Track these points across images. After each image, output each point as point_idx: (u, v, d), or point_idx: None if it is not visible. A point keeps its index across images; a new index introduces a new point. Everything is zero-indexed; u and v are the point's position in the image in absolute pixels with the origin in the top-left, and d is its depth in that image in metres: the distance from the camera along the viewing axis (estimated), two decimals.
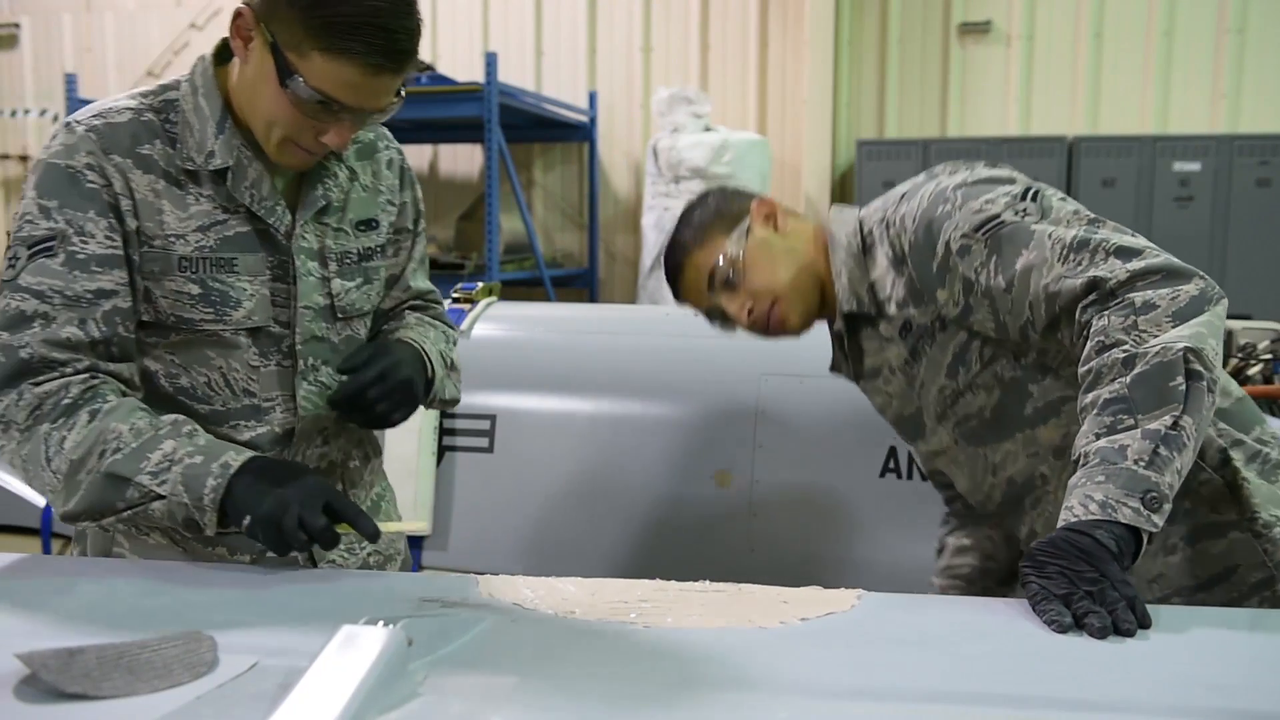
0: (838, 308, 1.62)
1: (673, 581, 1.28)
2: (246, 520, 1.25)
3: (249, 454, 1.30)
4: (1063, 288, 1.35)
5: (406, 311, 1.64)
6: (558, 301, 6.66)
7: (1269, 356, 2.69)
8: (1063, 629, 1.11)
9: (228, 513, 1.27)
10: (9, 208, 8.42)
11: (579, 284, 7.36)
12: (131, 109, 1.38)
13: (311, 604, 1.20)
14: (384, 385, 1.42)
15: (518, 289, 6.57)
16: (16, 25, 8.21)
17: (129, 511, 1.29)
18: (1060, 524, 1.21)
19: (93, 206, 1.33)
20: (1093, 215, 1.42)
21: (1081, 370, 1.32)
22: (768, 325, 1.62)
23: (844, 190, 6.71)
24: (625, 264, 7.33)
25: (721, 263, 1.62)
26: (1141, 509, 1.18)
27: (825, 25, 6.48)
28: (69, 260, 1.32)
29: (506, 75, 6.64)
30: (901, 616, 1.18)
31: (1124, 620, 1.10)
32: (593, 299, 7.24)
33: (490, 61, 5.99)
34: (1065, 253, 1.36)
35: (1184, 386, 1.23)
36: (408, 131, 7.22)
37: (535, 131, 7.18)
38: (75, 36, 8.12)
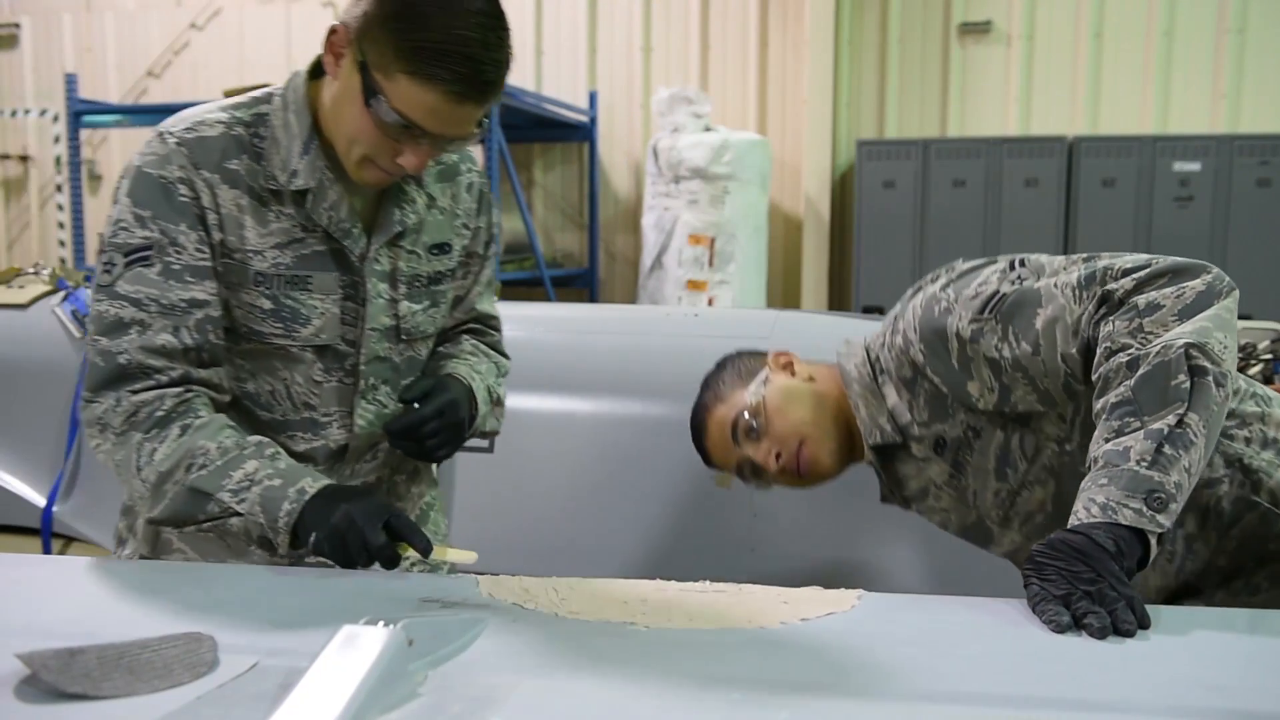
0: (863, 442, 1.58)
1: (673, 582, 1.28)
2: (314, 537, 1.30)
3: (324, 481, 1.35)
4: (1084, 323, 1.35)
5: (464, 336, 1.66)
6: (558, 301, 6.66)
7: (1269, 356, 2.69)
8: (1060, 629, 1.11)
9: (298, 534, 1.32)
10: (9, 208, 8.43)
11: (579, 284, 7.36)
12: (223, 122, 1.41)
13: (312, 604, 1.20)
14: (440, 422, 1.45)
15: (518, 289, 6.57)
16: (17, 25, 8.21)
17: (209, 523, 1.35)
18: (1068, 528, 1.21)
19: (184, 220, 1.37)
20: (1086, 255, 1.41)
21: (1094, 378, 1.31)
22: (799, 468, 1.58)
23: (844, 190, 6.71)
24: (625, 264, 7.33)
25: (743, 412, 1.60)
26: (1144, 509, 1.18)
27: (825, 25, 6.48)
28: (165, 270, 1.36)
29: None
30: (902, 617, 1.18)
31: (1123, 621, 1.10)
32: (593, 299, 7.24)
33: None
34: (1078, 293, 1.35)
35: (1188, 384, 1.23)
36: None
37: (535, 131, 7.18)
38: (75, 36, 8.12)
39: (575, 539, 2.30)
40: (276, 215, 1.41)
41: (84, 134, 7.56)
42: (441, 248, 1.55)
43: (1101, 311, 1.33)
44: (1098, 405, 1.29)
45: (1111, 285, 1.33)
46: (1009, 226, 6.01)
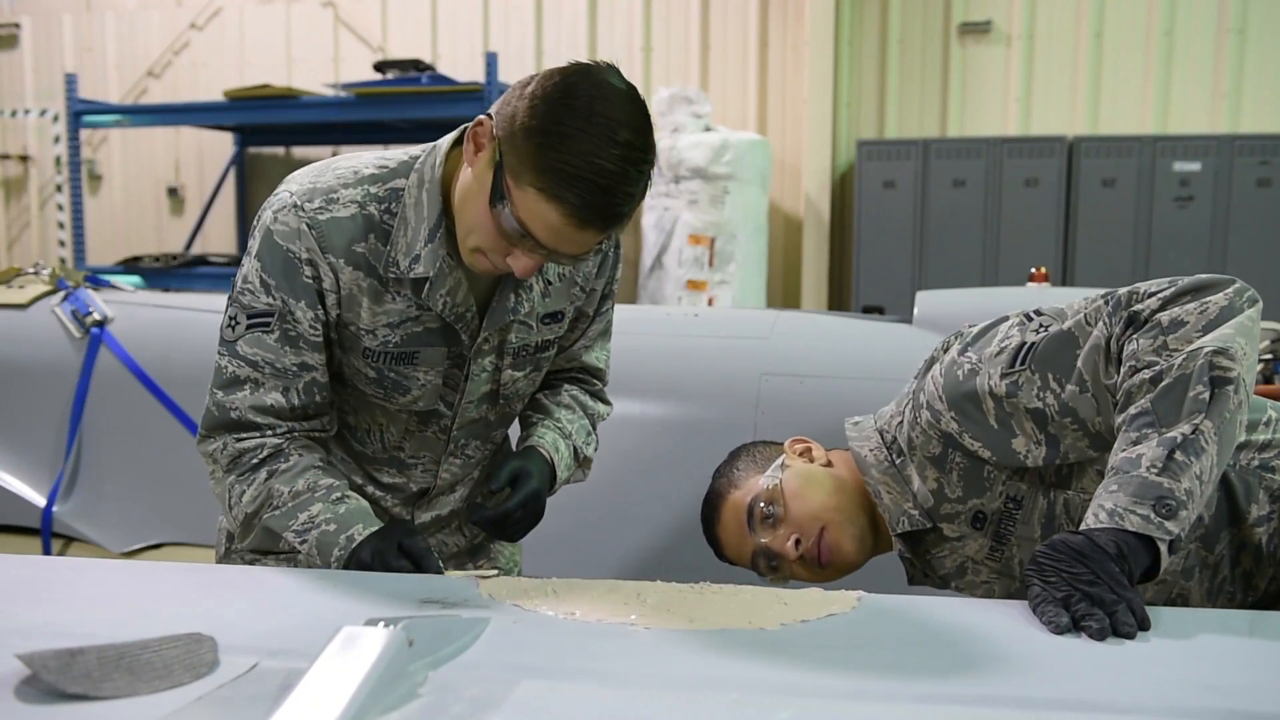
0: (889, 529, 1.54)
1: (673, 582, 1.28)
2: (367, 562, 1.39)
3: (373, 527, 1.42)
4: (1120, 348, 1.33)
5: (564, 387, 1.65)
6: None
7: (1269, 356, 2.69)
8: (1060, 630, 1.11)
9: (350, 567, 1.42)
10: (9, 208, 8.43)
11: None
12: (357, 201, 1.42)
13: (312, 605, 1.20)
14: (525, 511, 1.47)
15: None
16: (17, 25, 8.21)
17: (284, 554, 1.54)
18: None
19: (305, 298, 1.42)
20: (1105, 291, 1.39)
21: (1118, 396, 1.30)
22: (820, 556, 1.52)
23: (844, 190, 6.71)
24: (625, 264, 7.30)
25: (760, 498, 1.54)
26: (1152, 515, 1.17)
27: (825, 25, 6.47)
28: (282, 337, 1.43)
29: (507, 75, 6.64)
30: (902, 617, 1.18)
31: (1123, 623, 1.10)
32: None
33: (490, 62, 5.99)
34: (1109, 321, 1.33)
35: (1207, 395, 1.22)
36: (408, 132, 7.23)
37: None
38: (76, 36, 8.12)
39: (575, 539, 2.30)
40: (393, 297, 1.43)
41: (84, 134, 7.56)
42: (554, 316, 1.55)
43: (1128, 332, 1.31)
44: (1118, 420, 1.28)
45: (1137, 306, 1.32)
46: (1009, 226, 6.00)
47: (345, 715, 0.85)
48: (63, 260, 7.89)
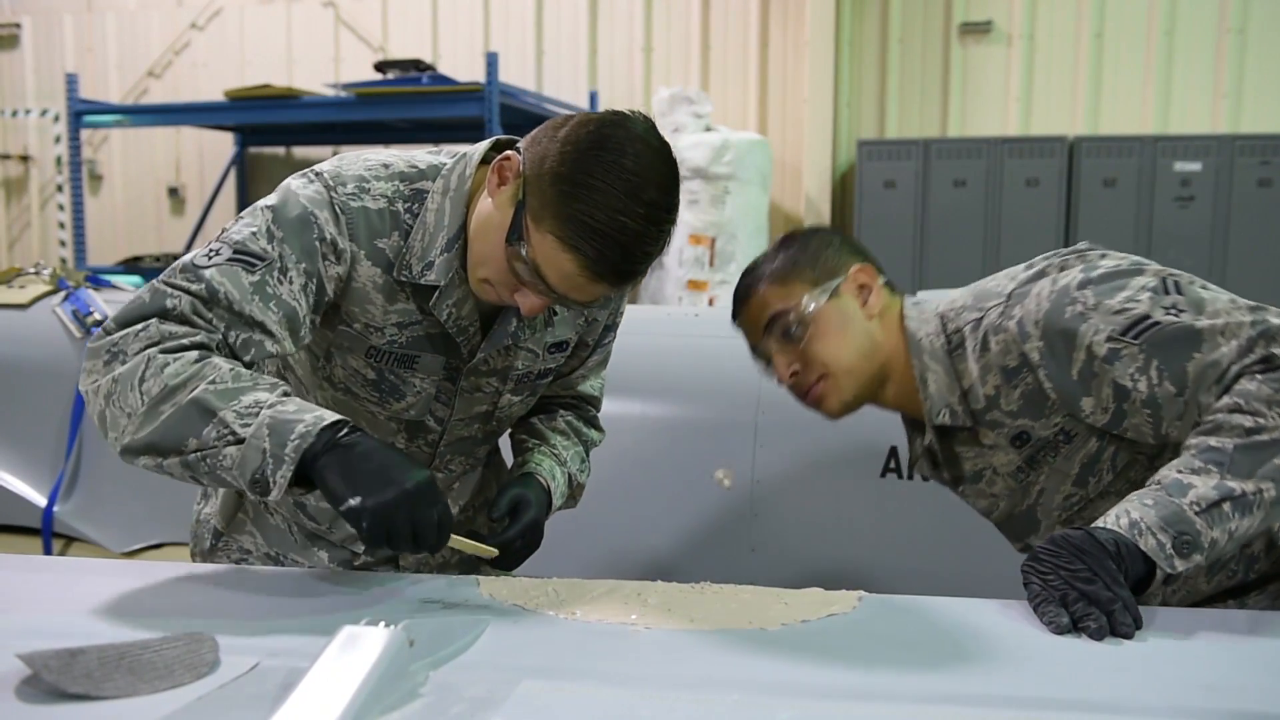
0: (926, 417, 1.48)
1: (673, 582, 1.28)
2: (355, 501, 1.14)
3: (348, 420, 1.21)
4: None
5: (559, 413, 1.63)
6: None
7: None
8: (1060, 630, 1.11)
9: (319, 478, 1.17)
10: (10, 208, 8.43)
11: None
12: (387, 195, 1.37)
13: (313, 605, 1.20)
14: (525, 539, 1.41)
15: None
16: (17, 25, 8.22)
17: (195, 454, 1.18)
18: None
19: (306, 262, 1.30)
20: (1251, 303, 1.31)
21: (1205, 416, 1.26)
22: (805, 395, 1.49)
23: (844, 190, 6.71)
24: None
25: (790, 313, 1.47)
26: (1168, 546, 1.16)
27: (826, 25, 6.48)
28: (259, 285, 1.27)
29: (507, 75, 6.64)
30: (902, 617, 1.18)
31: (1121, 623, 1.10)
32: None
33: (491, 62, 5.99)
34: (1243, 351, 1.26)
35: None
36: (408, 132, 7.23)
37: None
38: (76, 36, 8.12)
39: (576, 540, 2.30)
40: (406, 296, 1.39)
41: (85, 134, 7.56)
42: (560, 346, 1.53)
43: (1250, 360, 1.25)
44: (1193, 440, 1.24)
45: (1278, 351, 1.25)
46: (1009, 226, 6.00)
47: (346, 715, 0.85)
48: (63, 260, 7.90)
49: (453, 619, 1.13)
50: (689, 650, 1.06)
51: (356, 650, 0.93)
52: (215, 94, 7.16)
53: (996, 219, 6.05)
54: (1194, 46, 6.20)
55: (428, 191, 1.38)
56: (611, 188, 1.21)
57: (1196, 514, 1.17)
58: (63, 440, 2.82)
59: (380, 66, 6.50)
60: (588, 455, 1.64)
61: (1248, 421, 1.21)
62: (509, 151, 1.31)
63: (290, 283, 1.29)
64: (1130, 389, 1.31)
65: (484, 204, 1.33)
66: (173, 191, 8.01)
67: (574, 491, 1.60)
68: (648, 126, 1.27)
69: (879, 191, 6.23)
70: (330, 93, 6.59)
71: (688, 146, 6.16)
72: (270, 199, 1.33)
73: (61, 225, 8.05)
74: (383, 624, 0.97)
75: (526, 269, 1.26)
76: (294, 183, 1.35)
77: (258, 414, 1.17)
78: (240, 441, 1.16)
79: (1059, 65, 6.42)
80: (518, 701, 0.93)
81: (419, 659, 0.99)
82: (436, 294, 1.37)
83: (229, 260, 1.26)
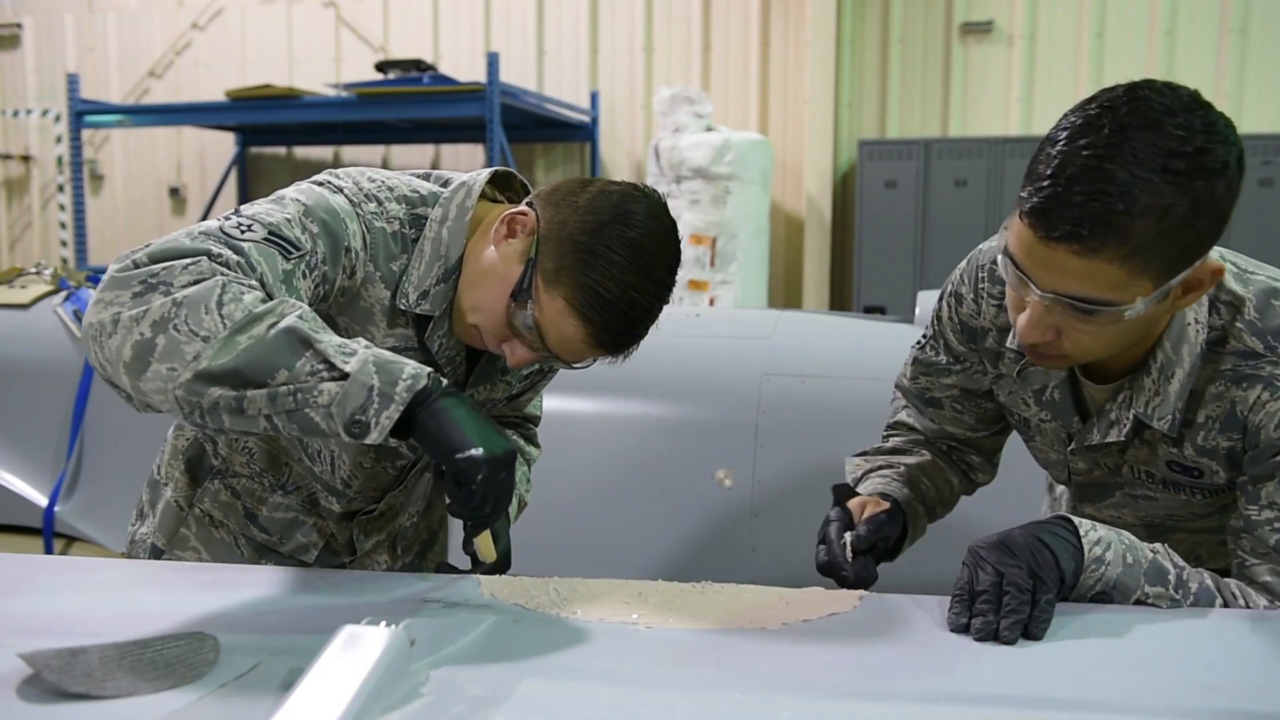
0: (1138, 408, 1.31)
1: (674, 581, 1.28)
2: (478, 451, 1.09)
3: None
4: None
5: (506, 432, 1.63)
6: None
7: None
8: (955, 629, 1.12)
9: (429, 423, 1.10)
10: (11, 208, 8.44)
11: None
12: (399, 219, 1.35)
13: (313, 604, 1.20)
14: (505, 560, 1.37)
15: None
16: (19, 25, 8.22)
17: (285, 387, 1.06)
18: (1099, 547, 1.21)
19: (327, 266, 1.26)
20: None
21: (1249, 527, 1.27)
22: (1030, 350, 1.24)
23: (845, 190, 6.71)
24: None
25: (1114, 306, 1.14)
26: (1143, 584, 1.21)
27: (827, 25, 6.48)
28: (289, 275, 1.20)
29: (508, 75, 6.65)
30: (903, 617, 1.18)
31: (1007, 632, 1.10)
32: None
33: (492, 62, 5.99)
34: None
35: None
36: (409, 132, 7.23)
37: (537, 131, 7.19)
38: (77, 36, 8.13)
39: (576, 539, 2.30)
40: (405, 322, 1.37)
41: (86, 134, 7.57)
42: (531, 375, 1.56)
43: None
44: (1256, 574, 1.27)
45: None
46: None
47: (347, 714, 0.86)
48: (64, 260, 7.91)
49: (453, 618, 1.13)
50: (689, 650, 1.06)
51: (357, 649, 0.93)
52: (216, 94, 7.17)
53: (998, 219, 6.04)
54: (1195, 46, 6.20)
55: (426, 218, 1.36)
56: (628, 262, 1.24)
57: (1177, 595, 1.22)
58: (64, 440, 2.82)
59: (381, 66, 6.51)
60: (530, 473, 1.66)
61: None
62: (524, 207, 1.31)
63: (308, 280, 1.26)
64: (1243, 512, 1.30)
65: (487, 252, 1.32)
66: (174, 191, 8.02)
67: (520, 510, 1.61)
68: (662, 204, 1.31)
69: (880, 191, 6.23)
70: (331, 93, 6.60)
71: (689, 146, 6.16)
72: (295, 195, 1.28)
73: (63, 225, 8.06)
74: (383, 623, 0.97)
75: (527, 326, 1.27)
76: (317, 189, 1.31)
77: (355, 352, 1.09)
78: (342, 377, 1.06)
79: (1060, 65, 6.41)
80: (518, 701, 0.93)
81: (420, 658, 0.99)
82: (430, 324, 1.36)
83: (265, 240, 1.18)
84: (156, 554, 1.54)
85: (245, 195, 7.74)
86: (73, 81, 6.85)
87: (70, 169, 7.20)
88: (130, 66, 7.99)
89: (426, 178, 1.42)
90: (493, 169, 1.42)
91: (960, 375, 1.55)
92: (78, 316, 2.86)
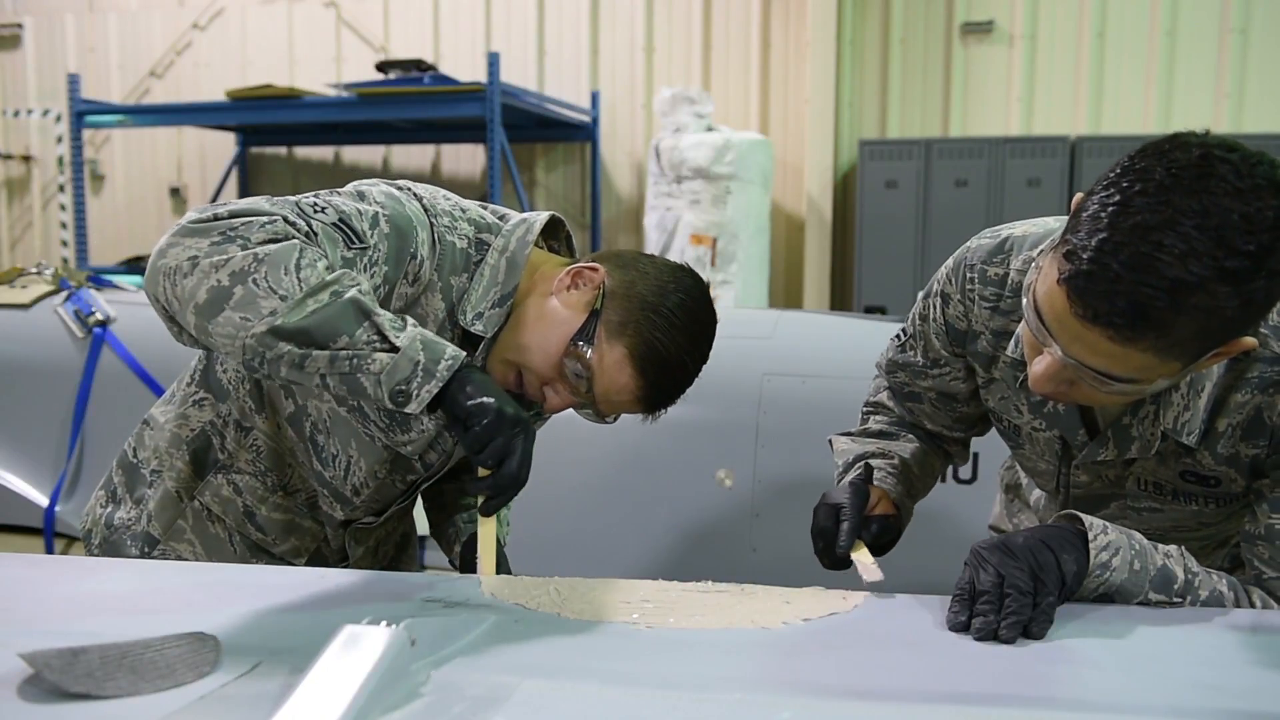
0: (1163, 422, 1.28)
1: (675, 581, 1.28)
2: (490, 400, 1.18)
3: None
4: None
5: None
6: None
7: None
8: (953, 628, 1.12)
9: (461, 394, 1.18)
10: (12, 208, 8.44)
11: None
12: (468, 238, 1.41)
13: (314, 604, 1.20)
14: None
15: None
16: (19, 25, 8.22)
17: (344, 351, 1.15)
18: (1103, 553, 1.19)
19: (390, 268, 1.31)
20: None
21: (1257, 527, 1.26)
22: (1040, 392, 1.20)
23: (846, 190, 6.71)
24: None
25: (1136, 383, 1.12)
26: (1147, 590, 1.20)
27: (827, 25, 6.47)
28: (347, 264, 1.26)
29: (509, 75, 6.65)
30: (903, 617, 1.18)
31: (1008, 632, 1.10)
32: None
33: (492, 62, 5.99)
34: None
35: None
36: (410, 132, 7.23)
37: (537, 131, 7.19)
38: (78, 37, 8.13)
39: (577, 539, 2.30)
40: (453, 339, 1.41)
41: (86, 134, 7.57)
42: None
43: None
44: (1250, 551, 1.27)
45: None
46: None
47: (347, 714, 0.86)
48: (65, 260, 7.91)
49: (454, 618, 1.13)
50: (690, 650, 1.06)
51: (358, 650, 0.93)
52: (217, 94, 7.17)
53: (998, 219, 6.00)
54: (1196, 46, 6.20)
55: (489, 245, 1.42)
56: (686, 329, 1.36)
57: (1183, 597, 1.21)
58: (64, 440, 2.83)
59: (382, 66, 6.51)
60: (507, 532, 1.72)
61: None
62: (595, 263, 1.39)
63: (366, 274, 1.28)
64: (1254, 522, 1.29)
65: (550, 300, 1.38)
66: (174, 191, 8.02)
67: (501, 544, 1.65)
68: (709, 291, 1.44)
69: (880, 191, 6.23)
70: (332, 93, 6.60)
71: (690, 146, 6.16)
72: (377, 194, 1.32)
73: (63, 225, 8.06)
74: (384, 623, 0.97)
75: (578, 371, 1.34)
76: (398, 192, 1.35)
77: (405, 329, 1.18)
78: (393, 349, 1.16)
79: (1061, 65, 6.41)
80: (519, 701, 0.93)
81: (420, 658, 0.99)
82: (481, 345, 1.41)
83: (334, 224, 1.25)
84: (151, 543, 1.54)
85: (245, 195, 7.71)
86: (73, 81, 6.86)
87: (71, 169, 7.20)
88: (131, 66, 7.99)
89: (484, 209, 1.48)
90: (550, 213, 1.49)
91: (936, 379, 1.53)
92: (78, 317, 2.86)
